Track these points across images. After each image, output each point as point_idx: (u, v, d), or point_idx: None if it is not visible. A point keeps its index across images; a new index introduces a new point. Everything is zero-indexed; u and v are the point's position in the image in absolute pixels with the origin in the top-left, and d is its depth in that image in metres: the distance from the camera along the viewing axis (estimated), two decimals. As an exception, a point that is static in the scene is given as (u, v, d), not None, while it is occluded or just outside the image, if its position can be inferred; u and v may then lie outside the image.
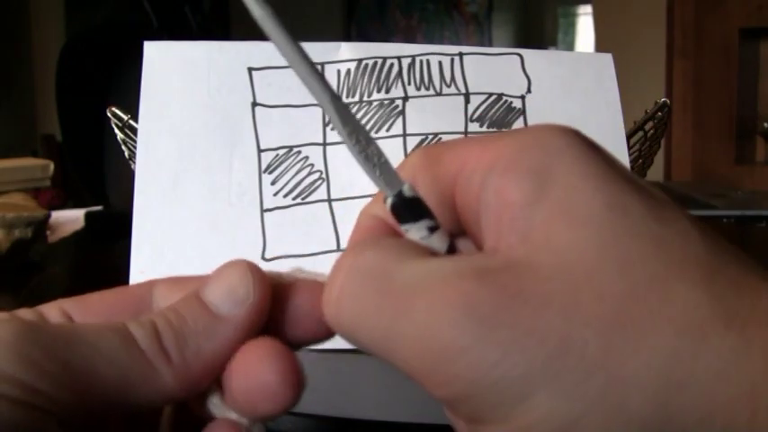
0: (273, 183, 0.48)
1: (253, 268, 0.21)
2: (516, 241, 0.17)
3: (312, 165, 0.48)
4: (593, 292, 0.16)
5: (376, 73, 0.51)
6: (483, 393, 0.16)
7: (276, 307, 0.22)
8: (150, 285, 0.23)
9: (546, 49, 2.73)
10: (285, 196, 0.48)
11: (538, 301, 0.16)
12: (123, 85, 0.58)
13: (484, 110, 0.51)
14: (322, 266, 0.48)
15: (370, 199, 0.48)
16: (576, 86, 0.52)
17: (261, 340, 0.21)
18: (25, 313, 0.21)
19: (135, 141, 0.48)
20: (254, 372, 0.20)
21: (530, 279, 0.16)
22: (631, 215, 0.17)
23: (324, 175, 0.48)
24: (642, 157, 0.54)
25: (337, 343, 0.47)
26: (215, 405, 0.21)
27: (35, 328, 0.19)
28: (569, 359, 0.16)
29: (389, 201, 0.20)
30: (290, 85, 0.50)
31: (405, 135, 0.49)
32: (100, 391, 0.18)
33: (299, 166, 0.48)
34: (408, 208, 0.20)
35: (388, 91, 0.50)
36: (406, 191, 0.20)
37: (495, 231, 0.18)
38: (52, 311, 0.22)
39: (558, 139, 0.18)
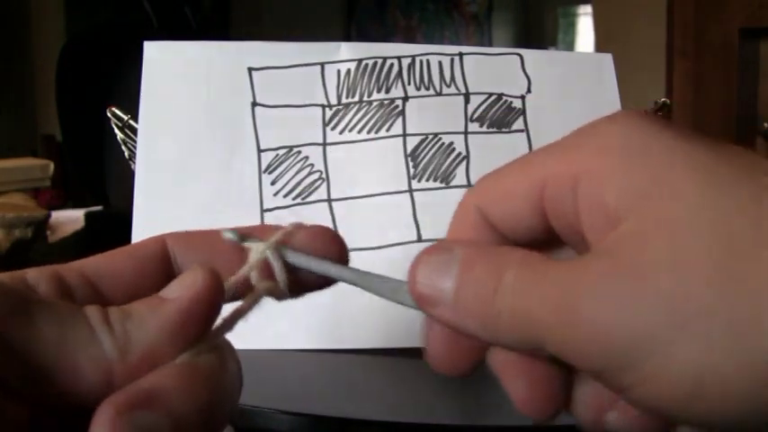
0: (273, 183, 0.48)
1: (205, 266, 0.22)
2: (620, 232, 0.19)
3: (312, 165, 0.48)
4: (697, 252, 0.18)
5: (376, 73, 0.51)
6: (614, 352, 0.18)
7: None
8: (163, 242, 0.24)
9: (546, 49, 2.73)
10: (285, 196, 0.48)
11: (649, 268, 0.18)
12: (123, 85, 0.58)
13: (484, 110, 0.51)
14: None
15: (368, 199, 0.48)
16: (576, 86, 0.52)
17: None
18: (33, 272, 0.22)
19: (135, 141, 0.48)
20: None
21: (638, 251, 0.18)
22: (720, 179, 0.19)
23: (324, 175, 0.48)
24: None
25: (338, 343, 0.47)
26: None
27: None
28: (688, 310, 0.17)
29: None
30: (289, 85, 0.50)
31: (405, 135, 0.49)
32: (37, 347, 0.19)
33: (299, 166, 0.48)
34: None
35: (388, 91, 0.50)
36: None
37: (599, 233, 0.20)
38: (72, 275, 0.22)
39: (620, 132, 0.20)
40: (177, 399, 0.19)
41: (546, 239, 0.23)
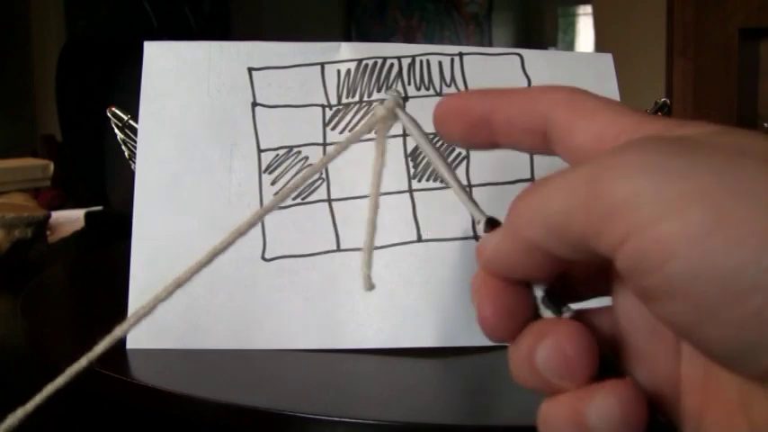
0: (273, 183, 0.48)
1: None
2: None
3: (312, 165, 0.48)
4: (757, 147, 0.18)
5: (376, 73, 0.51)
6: (642, 198, 0.18)
7: None
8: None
9: (546, 49, 2.73)
10: (285, 196, 0.48)
11: (700, 141, 0.19)
12: (123, 85, 0.58)
13: (484, 110, 0.51)
14: (322, 266, 0.48)
15: (368, 200, 0.48)
16: (577, 86, 0.52)
17: None
18: None
19: (135, 141, 0.48)
20: None
21: (693, 140, 0.19)
22: None
23: (324, 175, 0.48)
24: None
25: (338, 343, 0.47)
26: None
27: None
28: (732, 169, 0.17)
29: (483, 225, 0.25)
30: (290, 85, 0.50)
31: (405, 135, 0.49)
32: None
33: (299, 166, 0.48)
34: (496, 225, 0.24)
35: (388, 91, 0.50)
36: (487, 223, 0.25)
37: None
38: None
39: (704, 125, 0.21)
40: None
41: None
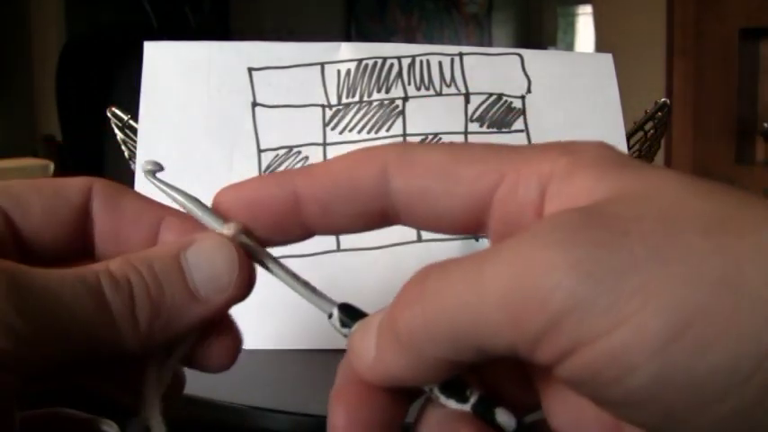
0: (273, 183, 0.48)
1: (239, 254, 0.21)
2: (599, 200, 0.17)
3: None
4: (685, 209, 0.16)
5: (376, 73, 0.51)
6: (584, 305, 0.15)
7: None
8: (90, 188, 0.23)
9: (546, 49, 2.73)
10: (285, 196, 0.48)
11: (629, 217, 0.16)
12: (123, 86, 0.58)
13: (484, 110, 0.51)
14: (322, 266, 0.48)
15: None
16: (576, 86, 0.52)
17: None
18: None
19: (135, 141, 0.48)
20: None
21: (615, 209, 0.16)
22: (691, 177, 0.18)
23: (324, 175, 0.48)
24: (642, 157, 0.54)
25: (337, 343, 0.46)
26: None
27: (11, 278, 0.18)
28: (674, 251, 0.15)
29: (336, 315, 0.22)
30: (290, 85, 0.50)
31: (405, 135, 0.49)
32: (64, 346, 0.18)
33: (299, 166, 0.48)
34: (350, 313, 0.22)
35: (388, 91, 0.50)
36: (340, 310, 0.22)
37: None
38: None
39: (596, 147, 0.19)
40: None
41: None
